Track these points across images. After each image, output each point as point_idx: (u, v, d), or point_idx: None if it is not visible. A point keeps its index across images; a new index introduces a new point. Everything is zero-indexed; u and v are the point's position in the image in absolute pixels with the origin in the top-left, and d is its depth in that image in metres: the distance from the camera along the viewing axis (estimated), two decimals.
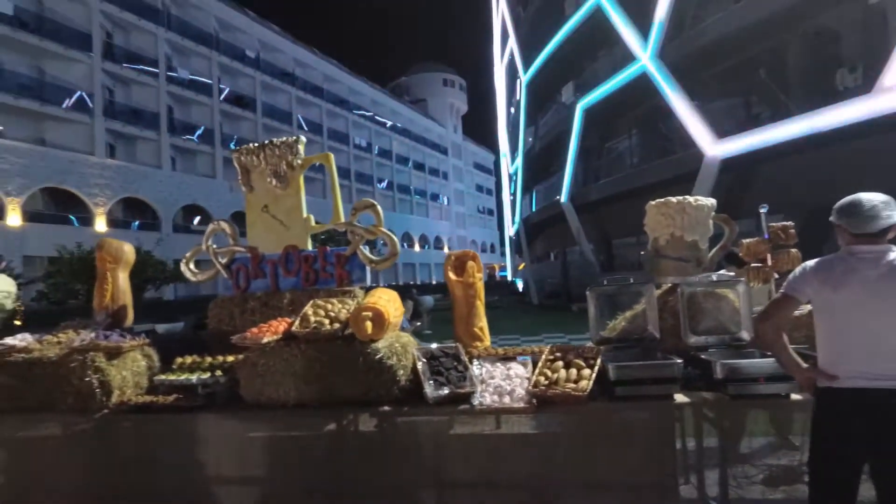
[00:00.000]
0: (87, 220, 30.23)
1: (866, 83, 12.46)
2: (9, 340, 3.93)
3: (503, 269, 77.81)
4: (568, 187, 25.39)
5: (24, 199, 27.11)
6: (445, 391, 3.34)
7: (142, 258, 17.18)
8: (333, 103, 52.01)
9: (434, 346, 3.81)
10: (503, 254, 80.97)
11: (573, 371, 3.34)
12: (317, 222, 4.90)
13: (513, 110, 38.86)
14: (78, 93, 30.23)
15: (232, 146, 39.45)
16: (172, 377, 3.81)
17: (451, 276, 4.29)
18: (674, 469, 3.32)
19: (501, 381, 3.46)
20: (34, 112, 28.72)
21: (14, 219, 26.68)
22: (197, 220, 37.40)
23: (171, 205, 35.24)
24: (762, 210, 4.68)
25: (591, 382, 3.19)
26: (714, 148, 16.54)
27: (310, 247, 4.79)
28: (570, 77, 26.27)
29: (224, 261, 4.82)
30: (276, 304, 4.50)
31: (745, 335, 3.58)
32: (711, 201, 3.98)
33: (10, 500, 3.81)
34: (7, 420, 3.83)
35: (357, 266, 4.58)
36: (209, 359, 4.00)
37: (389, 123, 60.03)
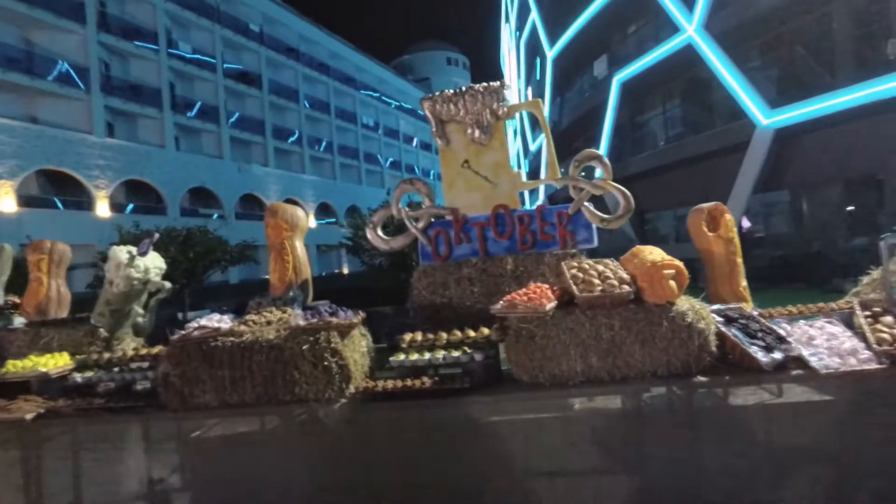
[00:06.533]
0: (85, 204, 28.23)
1: None
2: (205, 322, 3.36)
3: None
4: None
5: (17, 183, 25.11)
6: (779, 356, 2.94)
7: (209, 239, 16.32)
8: (340, 81, 50.80)
9: (721, 307, 3.39)
10: None
11: None
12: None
13: (530, 88, 38.19)
14: (67, 66, 28.13)
15: (229, 124, 38.29)
16: (414, 357, 3.37)
17: (706, 231, 3.85)
18: None
19: (828, 341, 3.04)
20: (24, 87, 26.69)
21: (8, 203, 24.57)
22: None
23: (176, 187, 33.30)
24: None
25: None
26: (767, 118, 16.22)
27: (521, 206, 4.33)
28: (604, 51, 25.64)
29: (420, 225, 4.36)
30: (497, 272, 4.07)
31: None
32: None
33: None
34: (216, 418, 3.34)
35: (582, 225, 4.13)
36: (444, 335, 3.54)
37: (395, 103, 58.94)
